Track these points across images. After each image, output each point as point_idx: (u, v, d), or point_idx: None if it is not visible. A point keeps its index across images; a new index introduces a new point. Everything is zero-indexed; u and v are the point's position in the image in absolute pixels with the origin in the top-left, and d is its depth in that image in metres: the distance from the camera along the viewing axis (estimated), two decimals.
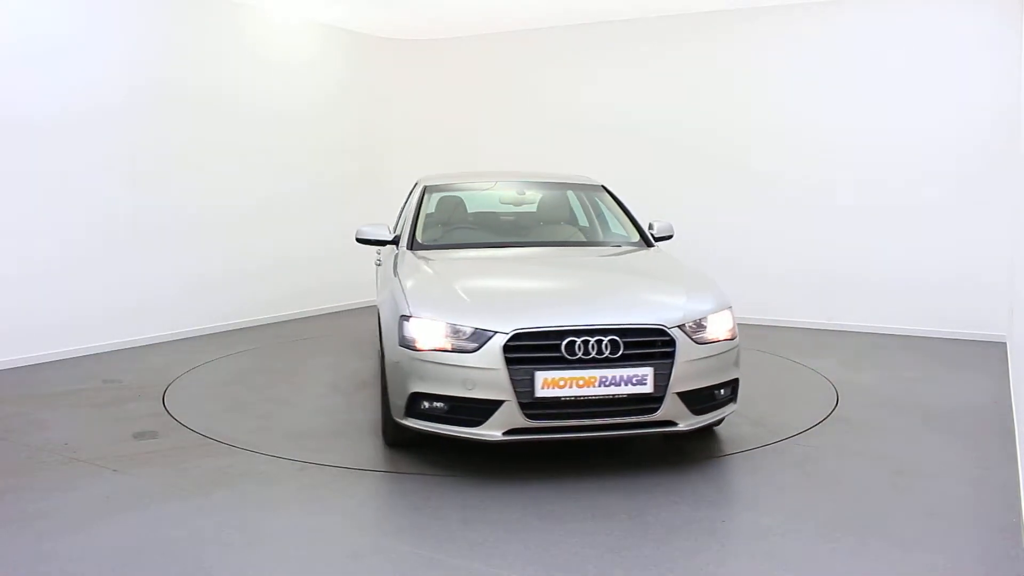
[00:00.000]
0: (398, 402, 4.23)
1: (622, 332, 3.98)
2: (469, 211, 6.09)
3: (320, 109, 9.29)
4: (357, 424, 5.07)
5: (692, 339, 4.12)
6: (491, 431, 3.94)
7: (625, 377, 3.94)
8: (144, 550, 3.37)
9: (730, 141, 8.67)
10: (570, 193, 6.16)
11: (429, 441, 4.51)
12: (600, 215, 5.94)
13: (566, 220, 6.05)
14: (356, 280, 9.14)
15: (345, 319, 8.95)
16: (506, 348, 3.89)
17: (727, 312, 4.40)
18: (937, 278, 7.82)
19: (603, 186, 6.00)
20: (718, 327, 4.29)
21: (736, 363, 4.41)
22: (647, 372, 3.96)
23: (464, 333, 3.99)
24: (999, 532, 3.53)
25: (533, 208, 6.14)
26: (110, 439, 4.78)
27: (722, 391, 4.33)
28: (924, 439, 4.84)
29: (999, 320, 7.55)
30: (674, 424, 4.09)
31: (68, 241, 6.82)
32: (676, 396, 4.04)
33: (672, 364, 4.01)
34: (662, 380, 3.99)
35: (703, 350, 4.15)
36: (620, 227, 5.72)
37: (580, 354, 3.91)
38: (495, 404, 3.90)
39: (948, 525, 3.61)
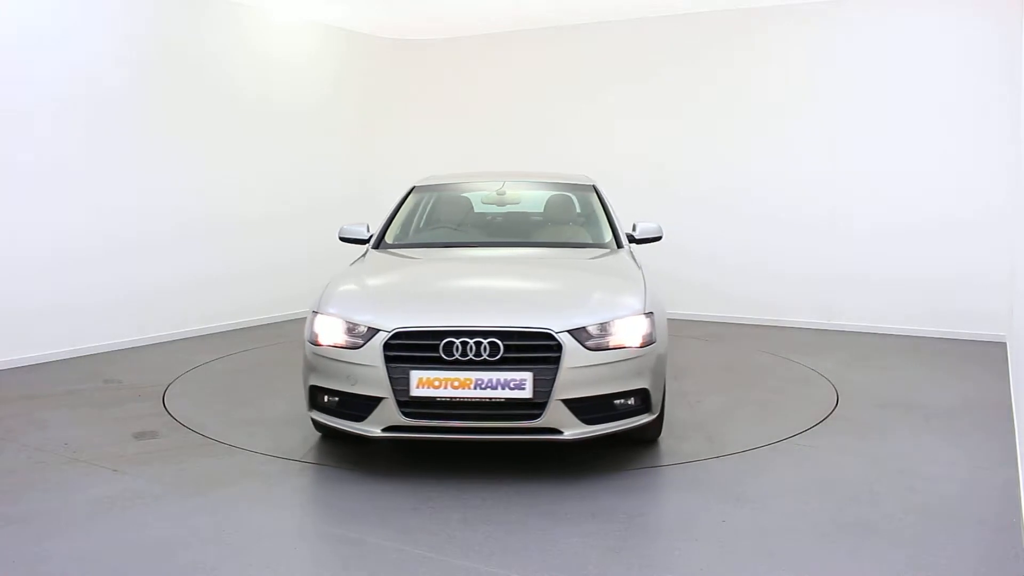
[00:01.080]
0: (304, 395, 4.36)
1: (503, 335, 3.89)
2: (448, 211, 6.10)
3: (320, 109, 9.29)
4: None
5: (585, 345, 3.95)
6: (372, 427, 4.02)
7: (502, 381, 3.85)
8: (144, 550, 3.36)
9: (731, 141, 8.67)
10: (555, 193, 6.09)
11: (429, 442, 4.52)
12: (581, 215, 5.80)
13: (543, 220, 5.92)
14: None
15: None
16: (386, 346, 3.94)
17: (641, 318, 4.16)
18: (937, 278, 7.82)
19: (593, 186, 5.88)
20: (627, 333, 4.08)
21: (647, 372, 4.13)
22: (526, 377, 3.85)
23: (357, 330, 4.08)
24: (999, 532, 3.53)
25: (515, 208, 6.09)
26: (110, 439, 4.78)
27: (628, 401, 4.10)
28: (924, 439, 4.84)
29: (999, 320, 7.56)
30: (559, 432, 3.94)
31: (68, 241, 6.81)
32: (561, 403, 3.90)
33: (556, 370, 3.89)
34: (544, 386, 3.87)
35: (598, 357, 3.97)
36: (597, 227, 5.57)
37: (458, 355, 3.88)
38: (375, 401, 3.97)
39: (948, 525, 3.61)
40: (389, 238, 5.55)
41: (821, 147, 8.26)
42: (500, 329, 3.90)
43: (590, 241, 5.45)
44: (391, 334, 3.95)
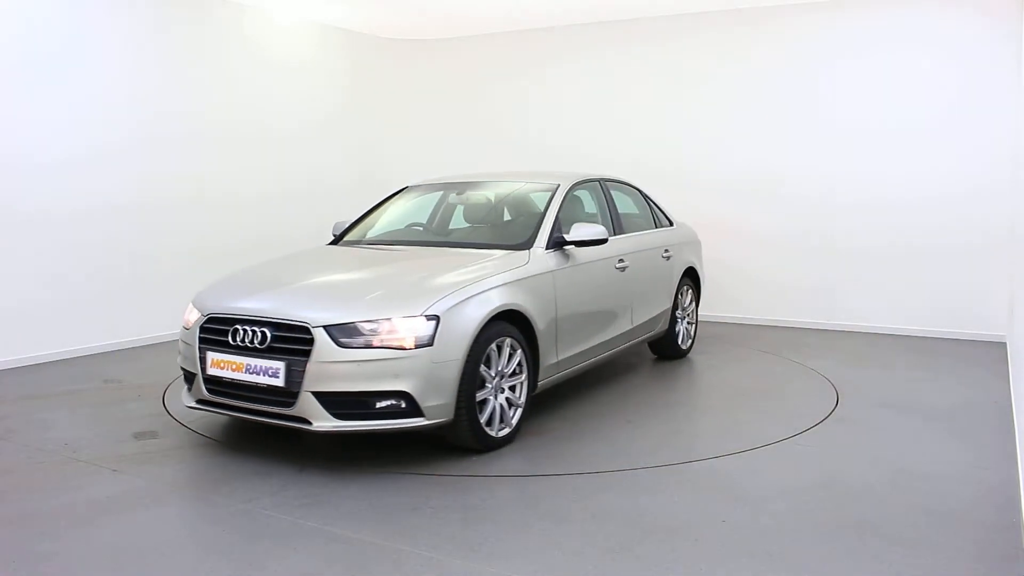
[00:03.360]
0: None
1: (272, 325, 4.23)
2: (418, 212, 6.16)
3: (320, 108, 9.29)
4: None
5: (343, 340, 4.04)
6: (191, 399, 4.63)
7: (263, 368, 4.19)
8: (144, 550, 3.36)
9: (732, 142, 8.67)
10: (516, 195, 5.98)
11: (427, 440, 4.53)
12: (523, 216, 5.63)
13: (489, 222, 5.80)
14: None
15: None
16: (201, 328, 4.48)
17: (417, 320, 4.10)
18: (937, 278, 7.83)
19: (558, 185, 5.65)
20: (397, 334, 4.07)
21: (415, 375, 4.05)
22: (280, 366, 4.14)
23: (199, 316, 4.57)
24: (999, 532, 3.53)
25: (480, 209, 6.00)
26: (110, 439, 4.79)
27: (393, 402, 4.07)
28: (924, 439, 4.84)
29: (999, 320, 7.56)
30: (308, 423, 4.11)
31: (68, 240, 6.82)
32: (311, 395, 4.06)
33: (307, 362, 4.07)
34: (296, 376, 4.09)
35: (353, 354, 4.03)
36: (524, 229, 5.35)
37: (239, 341, 4.28)
38: (193, 375, 4.54)
39: (948, 525, 3.61)
40: (353, 235, 5.87)
41: (822, 148, 8.26)
42: (268, 320, 4.26)
43: (502, 242, 5.23)
44: (205, 318, 4.48)
